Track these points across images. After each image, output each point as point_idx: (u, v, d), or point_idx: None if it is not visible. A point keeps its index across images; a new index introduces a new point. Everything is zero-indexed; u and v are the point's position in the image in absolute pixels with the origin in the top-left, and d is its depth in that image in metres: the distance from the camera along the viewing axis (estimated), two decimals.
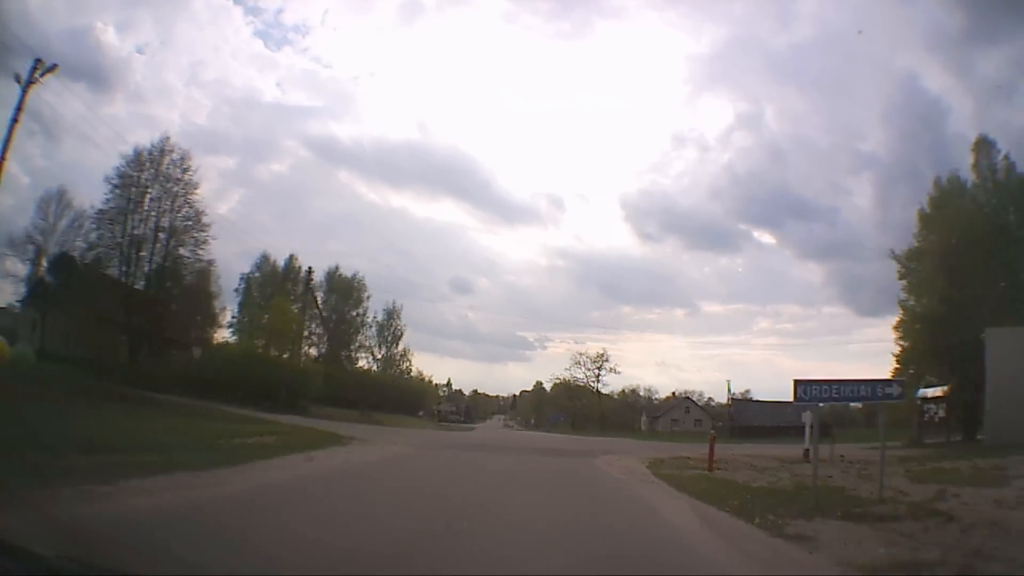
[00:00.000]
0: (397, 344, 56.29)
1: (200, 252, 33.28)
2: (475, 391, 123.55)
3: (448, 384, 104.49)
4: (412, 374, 61.24)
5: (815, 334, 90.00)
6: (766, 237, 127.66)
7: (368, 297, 51.72)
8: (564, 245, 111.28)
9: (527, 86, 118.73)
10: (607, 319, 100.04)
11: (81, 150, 71.81)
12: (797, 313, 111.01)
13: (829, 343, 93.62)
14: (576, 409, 67.04)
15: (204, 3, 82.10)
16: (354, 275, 51.71)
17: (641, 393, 74.51)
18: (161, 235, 33.47)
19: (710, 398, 71.42)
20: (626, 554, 5.90)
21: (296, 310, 37.00)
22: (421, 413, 62.67)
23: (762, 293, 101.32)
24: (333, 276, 50.10)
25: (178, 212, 33.27)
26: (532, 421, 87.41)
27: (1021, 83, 73.58)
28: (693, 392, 71.00)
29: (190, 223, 32.92)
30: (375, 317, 53.53)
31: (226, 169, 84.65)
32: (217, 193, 78.84)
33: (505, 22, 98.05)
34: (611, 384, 68.44)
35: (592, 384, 66.22)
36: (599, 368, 65.41)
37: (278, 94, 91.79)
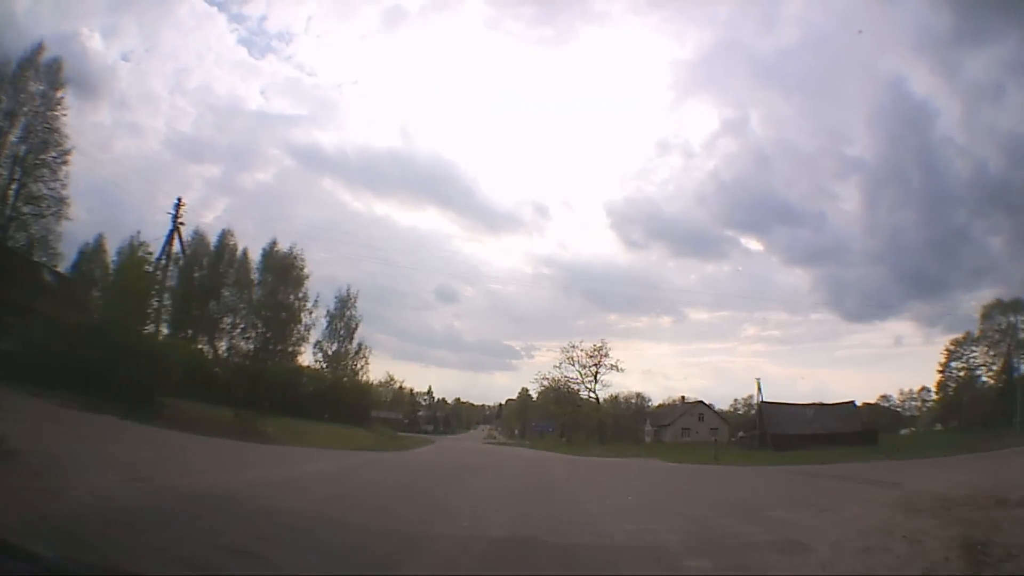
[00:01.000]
0: (351, 339, 46.10)
1: (55, 186, 24.17)
2: (458, 400, 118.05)
3: (428, 392, 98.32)
4: (367, 374, 49.45)
5: (802, 340, 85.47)
6: (753, 243, 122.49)
7: (308, 277, 41.46)
8: (549, 253, 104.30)
9: (511, 93, 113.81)
10: (593, 327, 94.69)
11: None
12: (784, 319, 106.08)
13: (816, 349, 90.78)
14: (568, 416, 54.60)
15: (189, 10, 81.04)
16: (291, 249, 41.15)
17: (633, 401, 66.32)
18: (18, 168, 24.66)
19: (710, 404, 64.37)
20: None
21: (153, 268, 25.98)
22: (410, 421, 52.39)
23: (749, 299, 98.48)
24: (270, 253, 40.36)
25: (33, 136, 24.31)
26: (517, 431, 78.71)
27: (1009, 84, 69.66)
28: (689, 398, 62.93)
29: (46, 148, 23.89)
30: (316, 302, 42.64)
31: (211, 178, 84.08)
32: (202, 201, 78.07)
33: (488, 28, 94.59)
34: (612, 384, 58.33)
35: (588, 384, 53.66)
36: (597, 365, 52.51)
37: (262, 102, 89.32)
